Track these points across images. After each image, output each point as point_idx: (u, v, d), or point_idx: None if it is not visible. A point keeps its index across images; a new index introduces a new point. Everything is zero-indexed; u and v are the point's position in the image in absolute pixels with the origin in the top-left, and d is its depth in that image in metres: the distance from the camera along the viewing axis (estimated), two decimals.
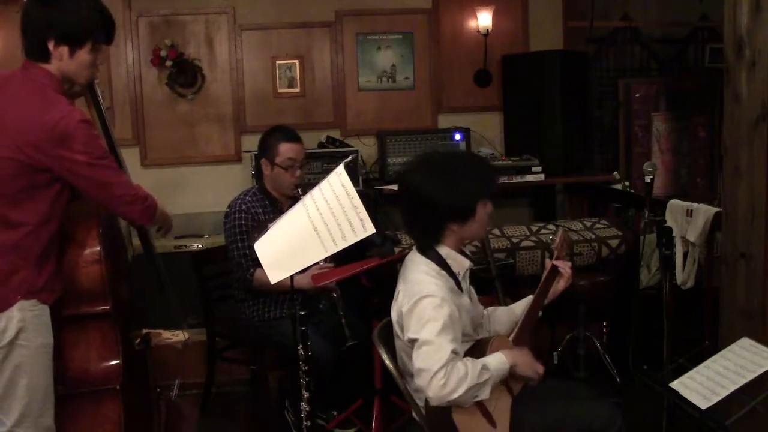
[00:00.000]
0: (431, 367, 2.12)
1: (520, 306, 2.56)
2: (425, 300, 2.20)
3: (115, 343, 2.55)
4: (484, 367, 2.19)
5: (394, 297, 2.35)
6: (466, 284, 2.44)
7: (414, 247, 2.43)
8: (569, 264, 2.46)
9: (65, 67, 2.30)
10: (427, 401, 2.20)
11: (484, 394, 2.18)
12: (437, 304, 2.19)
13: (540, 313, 2.47)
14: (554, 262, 2.44)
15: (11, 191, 2.23)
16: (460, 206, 2.27)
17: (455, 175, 2.28)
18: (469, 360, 2.19)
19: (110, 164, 2.33)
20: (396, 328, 2.33)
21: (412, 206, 2.34)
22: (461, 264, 2.38)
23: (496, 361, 2.24)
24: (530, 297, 2.53)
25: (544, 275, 2.45)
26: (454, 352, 2.15)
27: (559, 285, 2.46)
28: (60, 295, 2.39)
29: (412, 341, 2.20)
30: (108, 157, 2.34)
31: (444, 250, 2.35)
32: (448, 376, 2.11)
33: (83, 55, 2.31)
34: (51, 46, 2.26)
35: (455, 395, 2.11)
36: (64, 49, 2.28)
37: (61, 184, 2.29)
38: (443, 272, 2.32)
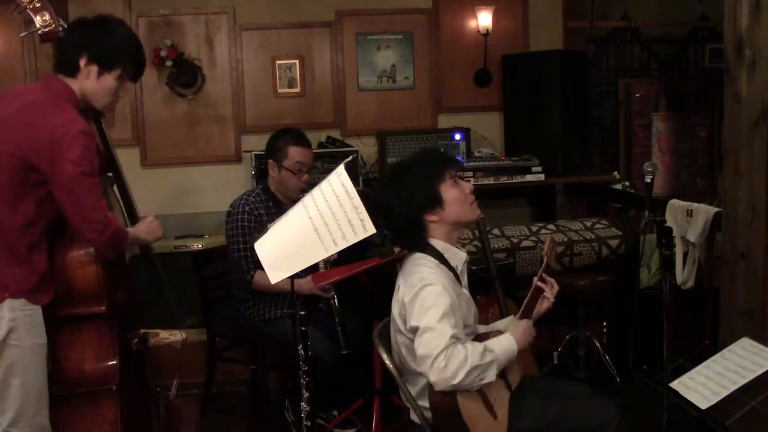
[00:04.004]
0: (431, 352, 2.13)
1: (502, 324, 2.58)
2: (427, 288, 2.23)
3: (112, 344, 2.55)
4: (487, 349, 2.21)
5: (395, 292, 2.37)
6: (464, 279, 2.45)
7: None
8: (555, 285, 2.47)
9: (88, 86, 2.39)
10: (431, 389, 2.21)
11: (490, 376, 2.20)
12: (438, 292, 2.22)
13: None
14: (539, 284, 2.45)
15: (7, 187, 2.26)
16: (420, 196, 2.33)
17: (405, 171, 2.38)
18: (469, 343, 2.21)
19: (93, 185, 2.32)
20: (398, 321, 2.33)
21: (386, 220, 2.40)
22: (458, 257, 2.42)
23: (504, 342, 2.27)
24: (510, 317, 2.57)
25: (528, 295, 2.46)
26: (454, 336, 2.16)
27: (542, 306, 2.46)
28: (53, 298, 2.39)
29: (414, 329, 2.21)
30: (94, 176, 2.33)
31: (439, 244, 2.37)
32: (448, 360, 2.12)
33: (109, 79, 2.41)
34: (83, 62, 2.37)
35: (457, 378, 2.12)
36: (94, 68, 2.38)
37: (47, 189, 2.30)
38: (442, 266, 2.34)
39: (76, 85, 2.38)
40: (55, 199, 2.32)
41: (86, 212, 2.31)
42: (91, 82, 2.38)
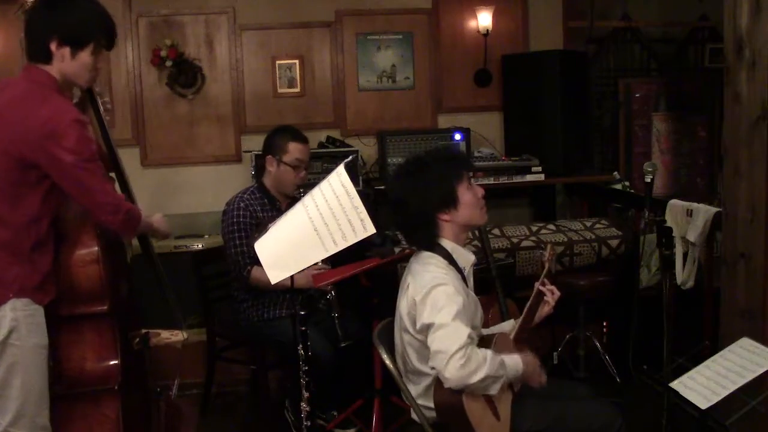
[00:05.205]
0: (448, 349, 2.13)
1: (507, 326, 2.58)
2: (439, 288, 2.23)
3: (114, 343, 2.55)
4: (502, 364, 2.21)
5: (403, 289, 2.36)
6: (470, 282, 2.45)
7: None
8: (556, 291, 2.47)
9: (66, 68, 2.33)
10: (437, 388, 2.21)
11: (494, 390, 2.21)
12: (451, 292, 2.22)
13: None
14: (540, 288, 2.45)
15: (3, 187, 2.25)
16: (438, 193, 2.31)
17: (423, 167, 2.34)
18: (489, 351, 2.21)
19: (96, 169, 2.32)
20: (405, 320, 2.32)
21: (400, 213, 2.38)
22: (467, 259, 2.42)
23: (513, 363, 2.27)
24: (511, 321, 2.58)
25: (530, 300, 2.46)
26: (470, 336, 2.17)
27: (543, 310, 2.47)
28: (55, 298, 2.38)
29: (428, 326, 2.21)
30: (96, 161, 2.32)
31: (449, 245, 2.37)
32: (468, 358, 2.12)
33: (85, 56, 2.35)
34: (53, 46, 2.30)
35: (473, 379, 2.12)
36: (66, 50, 2.31)
37: (50, 183, 2.29)
38: (451, 266, 2.34)
39: (54, 70, 2.32)
40: (61, 191, 2.31)
41: (96, 197, 2.32)
42: (67, 63, 2.32)
